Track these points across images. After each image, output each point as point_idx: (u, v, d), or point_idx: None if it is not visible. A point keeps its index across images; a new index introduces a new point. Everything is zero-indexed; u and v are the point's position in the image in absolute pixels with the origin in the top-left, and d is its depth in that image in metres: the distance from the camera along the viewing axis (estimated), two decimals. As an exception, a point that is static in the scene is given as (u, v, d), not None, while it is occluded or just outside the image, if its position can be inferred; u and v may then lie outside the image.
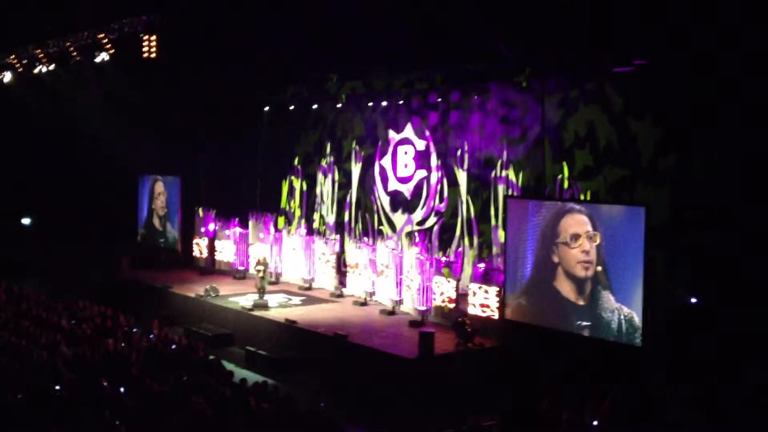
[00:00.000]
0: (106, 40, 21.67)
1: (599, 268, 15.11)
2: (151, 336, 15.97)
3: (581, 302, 15.38)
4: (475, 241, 19.48)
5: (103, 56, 21.99)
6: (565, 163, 17.31)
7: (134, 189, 27.93)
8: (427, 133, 20.95)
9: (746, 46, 13.48)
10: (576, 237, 15.54)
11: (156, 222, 27.36)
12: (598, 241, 15.12)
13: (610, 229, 14.90)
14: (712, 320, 13.88)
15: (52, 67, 23.93)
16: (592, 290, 15.18)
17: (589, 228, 15.30)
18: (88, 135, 26.54)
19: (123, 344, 14.84)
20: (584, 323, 15.33)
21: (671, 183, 15.28)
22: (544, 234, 16.05)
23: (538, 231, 16.21)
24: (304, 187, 24.95)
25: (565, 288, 15.68)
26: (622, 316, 14.61)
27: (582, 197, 16.69)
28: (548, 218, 16.01)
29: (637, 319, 14.35)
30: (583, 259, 15.37)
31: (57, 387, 11.88)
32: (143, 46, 20.60)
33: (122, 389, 11.89)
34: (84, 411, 10.70)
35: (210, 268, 24.84)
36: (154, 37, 20.53)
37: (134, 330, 16.29)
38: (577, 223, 15.55)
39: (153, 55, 20.59)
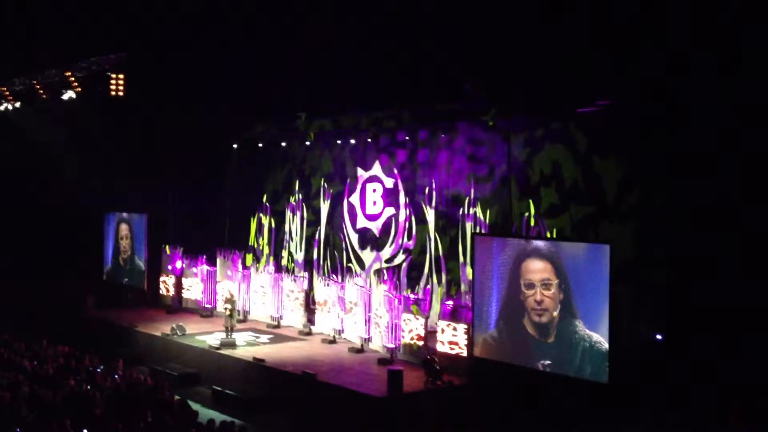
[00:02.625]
0: (73, 78, 21.64)
1: (555, 314, 15.14)
2: (116, 376, 15.73)
3: (549, 339, 15.46)
4: (444, 278, 19.57)
5: (70, 94, 21.94)
6: (531, 201, 17.53)
7: (100, 227, 27.66)
8: (396, 170, 21.12)
9: (709, 86, 13.83)
10: (531, 286, 15.64)
11: (121, 261, 27.10)
12: (554, 290, 15.19)
13: (576, 267, 15.03)
14: (676, 355, 14.03)
15: (17, 104, 23.79)
16: (559, 323, 15.19)
17: (546, 275, 15.40)
18: (55, 172, 26.31)
19: (87, 384, 14.59)
20: (547, 361, 15.38)
21: (635, 220, 15.53)
22: (510, 273, 16.17)
23: (504, 269, 16.32)
24: (273, 225, 24.92)
25: (530, 328, 15.80)
26: (591, 343, 14.61)
27: (548, 234, 16.88)
28: (513, 258, 16.12)
29: (605, 346, 14.37)
30: (536, 308, 15.50)
31: (18, 429, 11.64)
32: (111, 85, 20.61)
33: (86, 431, 11.69)
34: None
35: (177, 306, 24.59)
36: (122, 76, 20.56)
37: (98, 370, 16.04)
38: (535, 269, 15.61)
39: (120, 94, 20.60)
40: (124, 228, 27.00)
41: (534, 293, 15.57)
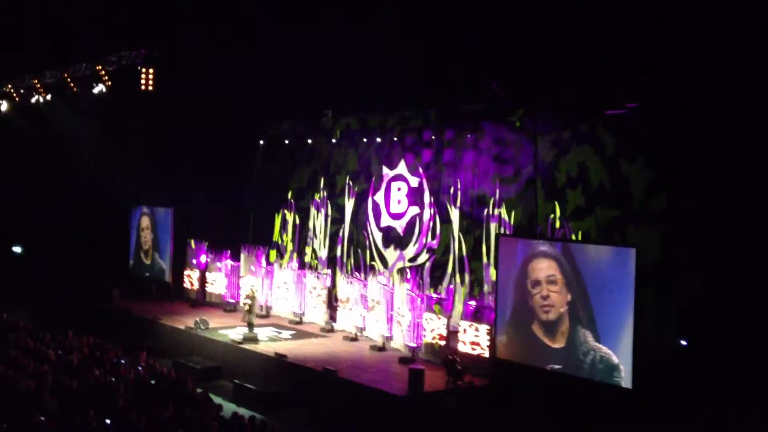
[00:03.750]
0: (103, 72, 21.85)
1: (562, 310, 15.25)
2: (139, 368, 15.87)
3: (555, 344, 15.45)
4: (467, 278, 19.52)
5: (100, 88, 22.14)
6: (557, 203, 17.42)
7: (127, 219, 27.91)
8: (421, 170, 21.09)
9: (738, 89, 13.68)
10: (537, 283, 15.82)
11: (142, 255, 27.33)
12: (559, 285, 15.30)
13: (599, 270, 14.94)
14: (700, 362, 13.90)
15: (48, 97, 24.05)
16: (569, 331, 15.21)
17: (552, 272, 15.49)
18: (82, 164, 26.59)
19: (110, 376, 14.72)
20: (557, 366, 15.36)
21: (662, 224, 15.38)
22: (520, 275, 16.18)
23: (517, 272, 16.30)
24: (297, 221, 24.99)
25: (537, 330, 15.84)
26: (598, 357, 14.62)
27: (573, 237, 16.78)
28: (522, 260, 16.13)
29: (615, 359, 14.38)
30: (542, 304, 15.67)
31: (42, 418, 11.78)
32: (141, 79, 20.78)
33: (108, 421, 11.79)
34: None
35: (200, 301, 24.75)
36: (151, 70, 20.72)
37: (122, 361, 16.19)
38: (540, 268, 15.81)
39: (150, 88, 20.77)
40: (145, 220, 27.22)
41: (540, 290, 15.71)
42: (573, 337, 15.14)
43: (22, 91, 24.52)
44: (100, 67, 21.85)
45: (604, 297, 14.72)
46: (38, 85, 23.87)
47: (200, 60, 21.45)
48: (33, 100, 24.42)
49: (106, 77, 21.86)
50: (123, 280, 26.65)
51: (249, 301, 20.49)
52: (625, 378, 14.21)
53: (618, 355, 14.33)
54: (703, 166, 14.61)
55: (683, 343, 14.49)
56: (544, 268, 15.79)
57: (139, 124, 24.28)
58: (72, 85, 22.98)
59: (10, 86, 24.74)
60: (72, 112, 24.96)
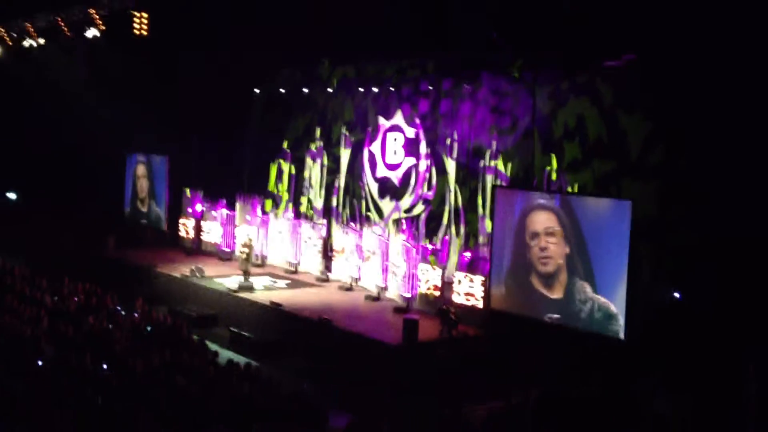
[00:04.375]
0: (96, 16, 21.50)
1: (560, 261, 15.37)
2: (135, 314, 15.95)
3: (553, 295, 15.59)
4: (462, 230, 19.54)
5: (93, 32, 21.82)
6: (553, 155, 17.37)
7: (122, 167, 27.78)
8: (417, 120, 20.96)
9: (738, 42, 13.53)
10: (535, 235, 15.94)
11: (138, 203, 27.28)
12: (557, 237, 15.38)
13: (596, 223, 15.00)
14: (695, 315, 14.01)
15: (41, 41, 23.71)
16: (567, 282, 15.32)
17: (551, 224, 15.57)
18: (77, 111, 26.34)
19: (107, 322, 14.81)
20: (555, 315, 15.50)
21: (659, 178, 15.36)
22: (518, 228, 16.23)
23: (515, 224, 16.35)
24: (293, 171, 24.90)
25: (536, 282, 15.93)
26: (596, 306, 14.78)
27: (570, 189, 16.77)
28: (520, 212, 16.18)
29: (613, 309, 14.53)
30: (540, 255, 15.80)
31: (39, 362, 11.87)
32: (134, 23, 20.46)
33: (105, 366, 11.89)
34: (66, 386, 10.70)
35: (196, 249, 24.79)
36: (145, 15, 20.40)
37: (118, 308, 16.27)
38: (538, 220, 15.90)
39: (144, 33, 20.47)
40: (141, 168, 27.13)
41: (538, 242, 15.82)
42: (571, 288, 15.27)
43: (14, 34, 24.13)
44: (93, 11, 21.47)
45: (601, 249, 14.81)
46: (31, 29, 23.48)
47: (195, 6, 21.10)
48: (26, 44, 24.06)
49: (100, 21, 21.50)
50: (118, 227, 26.64)
51: (246, 250, 20.53)
52: (620, 329, 14.35)
53: (615, 305, 14.48)
54: (700, 120, 14.51)
55: (677, 296, 14.57)
56: (542, 220, 15.83)
57: (133, 70, 23.98)
58: (65, 29, 22.62)
59: (2, 30, 24.35)
60: (65, 56, 24.62)
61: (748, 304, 13.27)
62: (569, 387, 11.69)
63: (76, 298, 16.59)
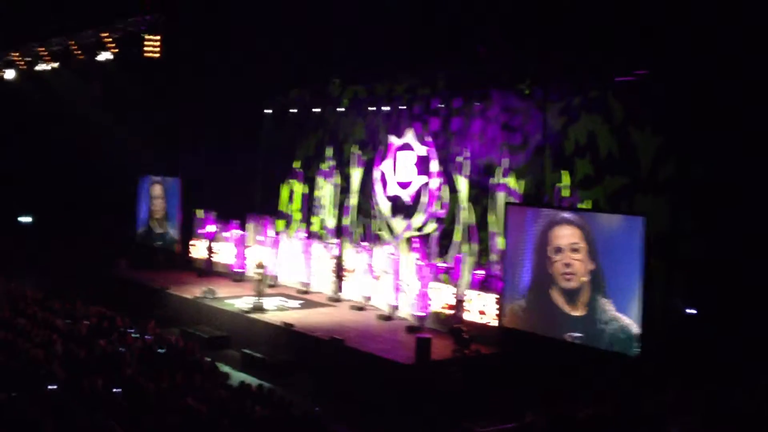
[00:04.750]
0: (109, 39, 21.67)
1: (584, 279, 15.19)
2: (147, 337, 15.92)
3: (575, 312, 15.41)
4: (474, 247, 19.44)
5: (105, 55, 21.98)
6: (565, 172, 17.29)
7: (134, 189, 27.90)
8: (428, 138, 20.94)
9: (745, 56, 13.48)
10: (559, 250, 15.75)
11: (154, 224, 27.35)
12: (582, 254, 15.20)
13: (609, 239, 14.89)
14: (710, 329, 13.85)
15: (54, 65, 23.91)
16: (590, 300, 15.17)
17: (574, 239, 15.39)
18: (91, 133, 26.50)
19: (118, 345, 14.78)
20: (576, 334, 15.34)
21: (671, 192, 15.26)
22: (539, 243, 16.10)
23: (536, 239, 16.22)
24: (305, 191, 24.91)
25: (558, 298, 15.74)
26: (618, 326, 14.60)
27: (582, 206, 16.67)
28: (542, 227, 16.07)
29: (635, 329, 14.33)
30: (564, 272, 15.59)
31: (52, 386, 11.84)
32: (146, 46, 20.59)
33: (117, 390, 11.85)
34: (78, 410, 10.66)
35: (208, 270, 24.80)
36: (157, 37, 20.53)
37: (130, 330, 16.24)
38: (563, 235, 15.72)
39: (156, 55, 20.59)
40: (157, 188, 27.21)
41: (562, 257, 15.62)
42: (594, 306, 15.08)
43: (28, 59, 24.36)
44: (105, 34, 21.64)
45: (618, 267, 14.66)
46: (44, 53, 23.69)
47: (208, 27, 21.23)
48: (39, 68, 24.28)
49: (112, 44, 21.67)
50: (129, 249, 26.71)
51: (260, 270, 20.53)
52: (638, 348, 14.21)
53: (635, 323, 14.32)
54: (710, 134, 14.44)
55: (692, 311, 14.42)
56: (567, 235, 15.62)
57: (145, 92, 24.13)
58: (77, 52, 22.80)
59: (16, 54, 24.57)
60: (78, 79, 24.81)
61: (762, 318, 13.11)
62: (582, 406, 11.53)
63: (87, 321, 16.58)
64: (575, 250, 15.44)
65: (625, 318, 14.50)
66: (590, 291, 15.16)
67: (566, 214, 15.82)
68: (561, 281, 15.69)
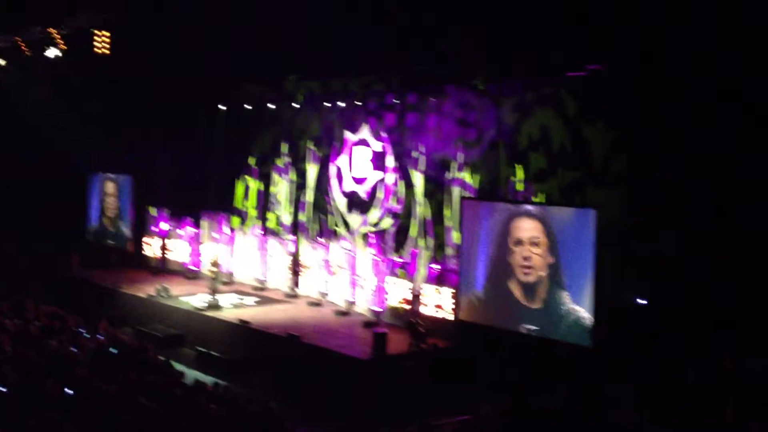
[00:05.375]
0: (57, 36, 21.26)
1: (542, 273, 15.36)
2: (99, 336, 15.68)
3: (533, 305, 15.57)
4: (430, 242, 19.54)
5: (54, 52, 21.58)
6: (519, 166, 17.45)
7: (85, 187, 27.44)
8: (384, 134, 20.96)
9: (697, 49, 13.72)
10: (519, 242, 15.90)
11: (106, 222, 26.94)
12: (542, 249, 15.38)
13: (563, 232, 15.09)
14: (660, 321, 14.12)
15: (1, 62, 23.42)
16: (548, 293, 15.34)
17: (535, 233, 15.57)
18: (39, 131, 25.99)
19: (70, 345, 14.53)
20: (532, 326, 15.51)
21: (623, 186, 15.51)
22: (498, 236, 16.23)
23: (492, 233, 16.35)
24: (260, 187, 24.77)
25: (516, 291, 15.89)
26: (575, 318, 14.81)
27: (535, 199, 16.86)
28: (501, 220, 16.20)
29: (589, 320, 14.55)
30: (523, 264, 15.73)
31: (1, 389, 11.60)
32: (96, 42, 20.26)
33: (69, 391, 11.65)
34: (30, 412, 10.46)
35: (162, 268, 24.52)
36: (106, 33, 20.21)
37: (81, 330, 15.98)
38: (524, 228, 15.86)
39: (106, 52, 20.27)
40: (110, 186, 26.81)
41: (522, 249, 15.75)
42: (551, 299, 15.25)
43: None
44: (53, 30, 21.23)
45: (573, 258, 14.86)
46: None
47: (158, 22, 20.94)
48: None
49: (60, 41, 21.27)
50: (81, 247, 26.27)
51: (215, 268, 20.36)
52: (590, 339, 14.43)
53: (587, 314, 14.55)
54: (662, 129, 14.69)
55: (642, 302, 14.68)
56: (528, 228, 15.74)
57: (95, 89, 23.74)
58: (25, 49, 22.34)
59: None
60: (26, 76, 24.32)
61: (713, 310, 13.39)
62: (536, 398, 11.67)
63: (38, 322, 16.26)
64: (535, 244, 15.60)
65: (581, 309, 14.72)
66: (548, 284, 15.35)
67: (529, 207, 15.99)
68: (519, 274, 15.83)
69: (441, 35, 17.21)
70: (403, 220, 20.37)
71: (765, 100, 13.32)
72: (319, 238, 21.63)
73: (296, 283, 21.20)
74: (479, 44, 16.91)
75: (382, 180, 20.95)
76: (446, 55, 17.14)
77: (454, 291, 17.09)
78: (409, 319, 16.81)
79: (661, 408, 10.79)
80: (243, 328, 18.01)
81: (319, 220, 22.71)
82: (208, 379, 13.87)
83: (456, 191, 18.83)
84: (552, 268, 15.31)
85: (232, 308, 19.70)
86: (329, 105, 22.24)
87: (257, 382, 15.87)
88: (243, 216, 24.90)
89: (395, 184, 20.58)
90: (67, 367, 12.91)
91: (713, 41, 13.48)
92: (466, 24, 16.77)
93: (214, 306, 19.49)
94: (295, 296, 21.02)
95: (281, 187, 23.98)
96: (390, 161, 20.73)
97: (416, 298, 17.82)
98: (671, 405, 10.86)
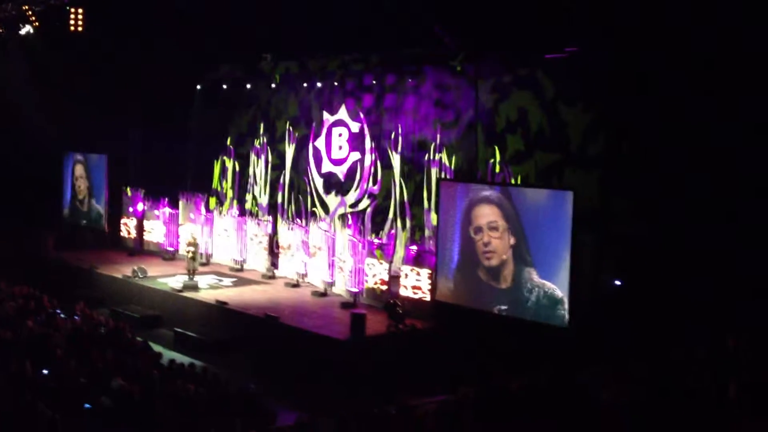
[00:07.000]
0: (30, 12, 20.94)
1: (505, 256, 15.56)
2: (75, 317, 15.59)
3: (502, 285, 15.71)
4: (408, 223, 19.58)
5: (27, 29, 21.25)
6: (497, 147, 17.50)
7: (59, 166, 27.12)
8: (362, 115, 20.91)
9: (674, 35, 13.80)
10: (479, 230, 16.12)
11: (77, 203, 26.68)
12: (500, 231, 15.62)
13: (536, 212, 15.19)
14: (635, 303, 14.27)
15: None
16: (514, 272, 15.48)
17: (494, 218, 15.77)
18: (13, 110, 25.59)
19: (47, 326, 14.44)
20: (503, 306, 15.65)
21: (600, 168, 15.60)
22: (464, 221, 16.36)
23: (462, 217, 16.46)
24: (237, 168, 24.65)
25: (483, 275, 16.06)
26: (542, 293, 14.99)
27: (513, 181, 16.93)
28: (465, 206, 16.32)
29: (559, 293, 14.72)
30: (484, 250, 15.97)
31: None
32: (70, 19, 19.98)
33: (46, 371, 11.59)
34: (6, 393, 10.41)
35: (138, 249, 24.37)
36: (80, 10, 19.94)
37: (58, 311, 15.88)
38: (482, 214, 16.09)
39: (80, 29, 20.00)
40: (79, 168, 26.51)
41: (482, 236, 15.99)
42: (518, 278, 15.41)
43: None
44: (26, 7, 20.89)
45: (545, 240, 14.98)
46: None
47: (133, 0, 20.69)
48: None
49: (33, 17, 20.94)
50: (57, 228, 26.01)
51: (192, 249, 20.27)
52: (565, 314, 14.59)
53: (560, 290, 14.71)
54: (639, 111, 14.78)
55: (617, 283, 14.83)
56: (486, 214, 15.97)
57: (69, 67, 23.41)
58: (-3, 26, 22.01)
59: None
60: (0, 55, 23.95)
61: (689, 291, 13.55)
62: (516, 378, 11.78)
63: (13, 303, 16.12)
64: (494, 228, 15.82)
65: (549, 284, 14.87)
66: (513, 264, 15.49)
67: (486, 192, 16.10)
68: (483, 260, 16.01)
69: (418, 16, 17.17)
70: (380, 201, 20.39)
71: (743, 83, 13.41)
72: (297, 220, 21.59)
73: (274, 264, 21.16)
74: (457, 25, 16.89)
75: (360, 161, 20.92)
76: (441, 37, 17.08)
77: (431, 272, 17.16)
78: (387, 300, 16.86)
79: (642, 387, 10.93)
80: (220, 308, 17.98)
81: (297, 202, 22.66)
82: (185, 360, 13.84)
83: (434, 172, 18.86)
84: (515, 248, 15.46)
85: (209, 289, 19.64)
86: (306, 85, 22.12)
87: (235, 362, 15.87)
88: (220, 197, 24.77)
89: (373, 165, 20.57)
90: (44, 347, 12.84)
91: (689, 22, 13.55)
92: (445, 4, 16.75)
93: (192, 287, 19.41)
94: (272, 277, 20.98)
95: (259, 167, 23.88)
96: (368, 142, 20.71)
97: (394, 279, 17.87)
98: (653, 384, 11.01)
